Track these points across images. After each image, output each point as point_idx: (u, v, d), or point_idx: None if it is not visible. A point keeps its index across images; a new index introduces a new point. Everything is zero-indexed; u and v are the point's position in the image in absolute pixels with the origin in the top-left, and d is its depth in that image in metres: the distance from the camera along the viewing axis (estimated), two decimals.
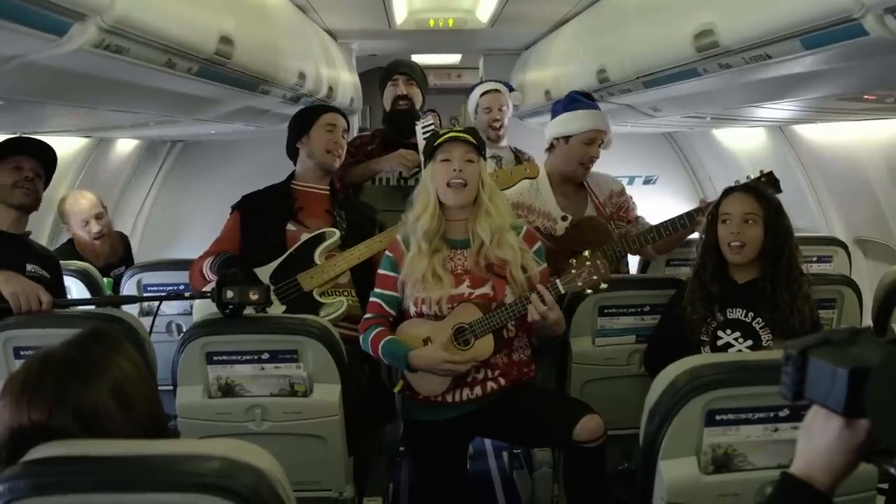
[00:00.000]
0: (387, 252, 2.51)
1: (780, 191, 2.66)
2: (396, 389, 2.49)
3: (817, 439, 0.94)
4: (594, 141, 2.96)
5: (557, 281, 2.32)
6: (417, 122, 3.24)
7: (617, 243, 2.89)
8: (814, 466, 0.95)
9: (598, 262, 2.31)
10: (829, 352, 0.90)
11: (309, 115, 2.90)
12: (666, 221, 2.86)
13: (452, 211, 2.42)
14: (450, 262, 2.41)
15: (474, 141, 2.41)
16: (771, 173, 2.76)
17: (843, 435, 0.92)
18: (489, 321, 2.32)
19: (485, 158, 2.48)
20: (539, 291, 2.28)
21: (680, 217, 2.84)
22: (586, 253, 2.34)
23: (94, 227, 3.62)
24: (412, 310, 2.42)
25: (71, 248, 3.64)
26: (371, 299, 2.49)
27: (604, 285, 2.33)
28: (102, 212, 3.69)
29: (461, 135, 2.40)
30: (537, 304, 2.26)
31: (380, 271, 2.49)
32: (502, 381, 2.41)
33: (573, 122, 3.00)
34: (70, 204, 3.64)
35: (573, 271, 2.32)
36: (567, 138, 2.99)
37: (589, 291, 2.36)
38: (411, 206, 2.48)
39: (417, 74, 3.55)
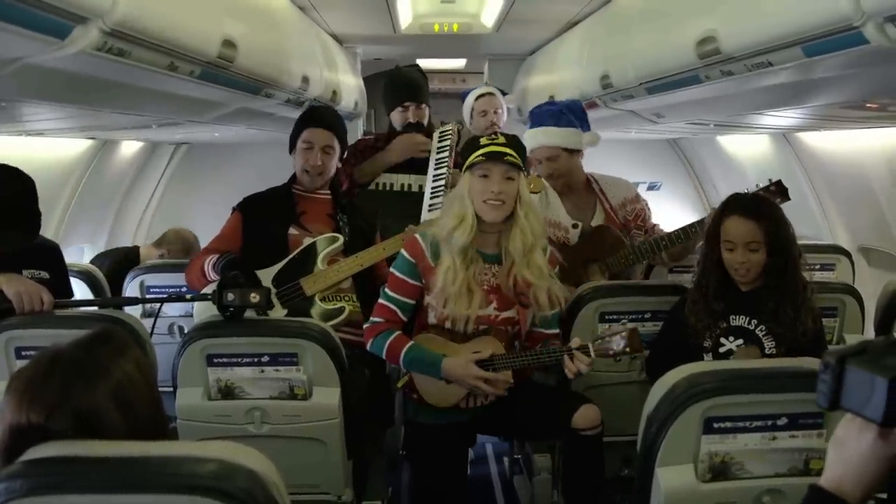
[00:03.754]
0: (405, 253, 2.39)
1: (787, 199, 2.65)
2: (400, 384, 2.45)
3: (850, 451, 0.92)
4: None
5: (590, 345, 2.24)
6: (435, 132, 3.22)
7: (630, 251, 2.88)
8: (845, 479, 0.93)
9: (634, 333, 2.25)
10: (868, 360, 0.89)
11: (295, 129, 2.83)
12: (678, 230, 2.83)
13: (486, 223, 2.32)
14: (480, 275, 2.34)
15: (517, 158, 2.27)
16: (780, 182, 2.72)
17: (876, 446, 0.90)
18: (513, 361, 2.29)
19: (527, 171, 2.41)
20: (577, 357, 2.21)
21: (691, 225, 2.81)
22: (628, 325, 2.33)
23: None
24: (432, 319, 2.38)
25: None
26: (383, 302, 2.39)
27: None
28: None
29: (503, 149, 2.26)
30: (580, 366, 2.21)
31: (398, 274, 2.38)
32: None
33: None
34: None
35: (606, 337, 2.27)
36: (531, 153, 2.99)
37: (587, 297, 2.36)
38: (444, 211, 2.42)
39: (425, 95, 3.44)
